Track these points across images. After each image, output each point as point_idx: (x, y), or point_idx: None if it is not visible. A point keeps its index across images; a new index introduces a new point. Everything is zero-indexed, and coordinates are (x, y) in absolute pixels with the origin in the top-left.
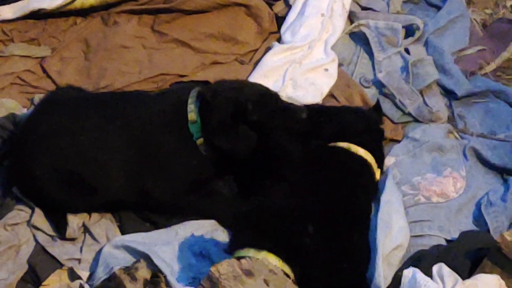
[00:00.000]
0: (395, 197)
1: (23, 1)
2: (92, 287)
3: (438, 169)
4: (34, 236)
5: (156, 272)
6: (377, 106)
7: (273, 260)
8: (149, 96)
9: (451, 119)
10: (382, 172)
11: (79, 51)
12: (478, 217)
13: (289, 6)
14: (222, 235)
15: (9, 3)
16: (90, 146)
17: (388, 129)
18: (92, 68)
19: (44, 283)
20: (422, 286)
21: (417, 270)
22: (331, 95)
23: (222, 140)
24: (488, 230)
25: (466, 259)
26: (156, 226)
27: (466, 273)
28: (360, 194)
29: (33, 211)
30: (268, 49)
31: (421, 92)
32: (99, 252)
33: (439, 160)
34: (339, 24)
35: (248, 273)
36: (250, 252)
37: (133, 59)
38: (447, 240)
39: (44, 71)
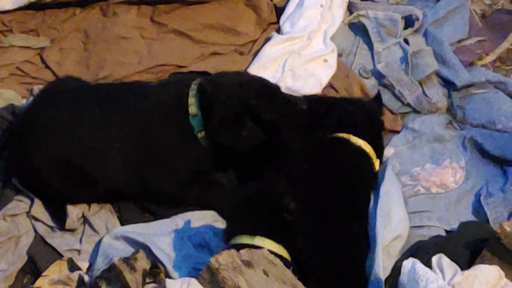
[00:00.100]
0: (395, 187)
1: None
2: (92, 278)
3: (437, 160)
4: (33, 227)
5: (156, 263)
6: (377, 97)
7: (268, 244)
8: (149, 87)
9: (450, 110)
10: (381, 163)
11: (78, 42)
12: (478, 208)
13: None
14: (222, 226)
15: None
16: (90, 136)
17: (387, 120)
18: (91, 59)
19: (43, 273)
20: (421, 277)
21: (417, 261)
22: (330, 85)
23: (224, 137)
24: (488, 221)
25: (465, 250)
26: (155, 217)
27: (465, 264)
28: (359, 184)
29: (32, 202)
30: (267, 39)
31: (420, 83)
32: (98, 243)
33: (439, 150)
34: (338, 14)
35: (248, 264)
36: (244, 239)
37: (132, 50)
38: (446, 231)
39: (43, 62)
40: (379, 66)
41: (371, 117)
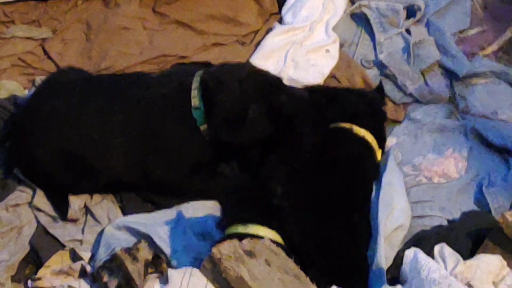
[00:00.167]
0: (397, 177)
1: None
2: (94, 268)
3: (439, 150)
4: (35, 217)
5: (158, 253)
6: (380, 87)
7: (262, 231)
8: (152, 78)
9: (452, 100)
10: (383, 153)
11: (80, 33)
12: (480, 198)
13: None
14: None
15: None
16: (92, 127)
17: (389, 110)
18: (93, 50)
19: (46, 264)
20: (423, 266)
21: (419, 251)
22: (332, 76)
23: (225, 135)
24: (490, 211)
25: (467, 239)
26: (157, 207)
27: (467, 253)
28: (361, 174)
29: (34, 192)
30: (269, 30)
31: (422, 73)
32: (100, 233)
33: (441, 140)
34: (340, 5)
35: (250, 254)
36: (238, 228)
37: (134, 41)
38: (448, 221)
39: (45, 52)
40: (381, 56)
41: (373, 108)
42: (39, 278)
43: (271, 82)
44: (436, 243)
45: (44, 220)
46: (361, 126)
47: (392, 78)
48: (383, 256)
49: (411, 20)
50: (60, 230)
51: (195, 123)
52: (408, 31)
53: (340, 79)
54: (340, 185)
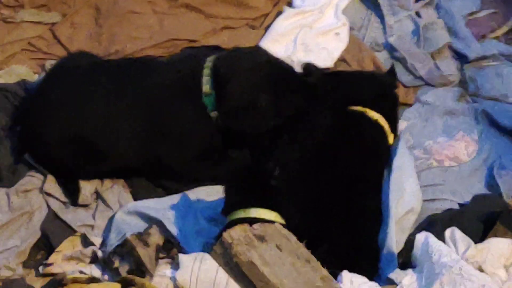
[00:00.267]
0: (408, 161)
1: None
2: (105, 253)
3: (450, 133)
4: (46, 202)
5: (169, 238)
6: (392, 70)
7: (263, 214)
8: (162, 63)
9: (462, 83)
10: (395, 137)
11: (89, 17)
12: (490, 181)
13: None
14: None
15: None
16: (102, 112)
17: (399, 93)
18: (102, 34)
19: (57, 249)
20: (434, 250)
21: (430, 234)
22: (342, 59)
23: (236, 123)
24: (501, 194)
25: (478, 223)
26: (168, 192)
27: (478, 237)
28: (373, 158)
29: (45, 178)
30: (279, 13)
31: (432, 56)
32: (111, 218)
33: (451, 123)
34: None
35: (261, 238)
36: (240, 213)
37: (143, 25)
38: (459, 204)
39: (55, 37)
40: (391, 39)
41: (386, 91)
42: (51, 264)
43: (283, 71)
44: (447, 227)
45: (55, 205)
46: (374, 110)
47: (402, 61)
48: (394, 240)
49: (421, 2)
50: (71, 216)
51: (206, 109)
52: (418, 13)
53: (350, 62)
54: (352, 168)
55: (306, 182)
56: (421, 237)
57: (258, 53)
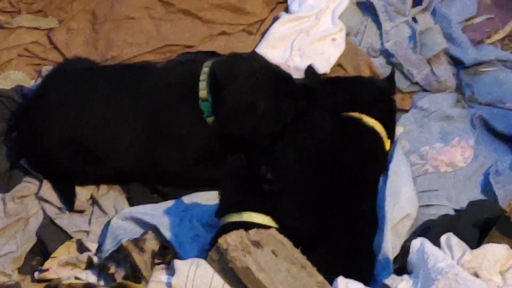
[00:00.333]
0: (404, 167)
1: None
2: (101, 259)
3: (446, 139)
4: (42, 208)
5: (165, 244)
6: (391, 76)
7: (256, 218)
8: (160, 68)
9: (458, 88)
10: (392, 143)
11: (86, 23)
12: (486, 187)
13: None
14: None
15: None
16: (99, 116)
17: (396, 98)
18: (99, 39)
19: (52, 255)
20: (430, 256)
21: (426, 240)
22: (338, 65)
23: (233, 129)
24: (497, 199)
25: (474, 229)
26: (164, 197)
27: (474, 243)
28: (369, 164)
29: (41, 183)
30: (276, 19)
31: (429, 61)
32: (107, 224)
33: (447, 129)
34: None
35: (256, 244)
36: (233, 217)
37: (140, 30)
38: (455, 210)
39: (52, 42)
40: (388, 45)
41: (383, 97)
42: (46, 270)
43: (281, 77)
44: (443, 233)
45: (51, 211)
46: (371, 116)
47: (399, 66)
48: (390, 246)
49: (418, 8)
50: (67, 221)
51: (202, 114)
52: (414, 19)
53: (347, 68)
54: (347, 174)
55: (303, 186)
56: (416, 242)
57: (255, 58)
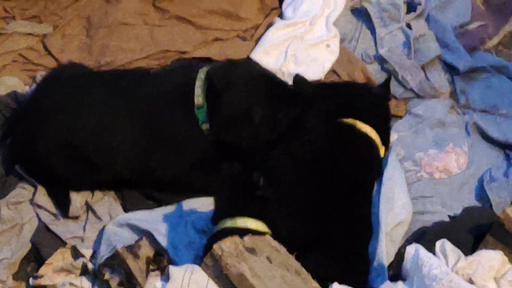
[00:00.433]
0: (398, 173)
1: None
2: (95, 266)
3: (440, 145)
4: (37, 214)
5: (159, 250)
6: (386, 83)
7: (250, 223)
8: (153, 74)
9: (453, 95)
10: (387, 150)
11: (80, 28)
12: (481, 193)
13: None
14: None
15: None
16: (94, 123)
17: (390, 105)
18: (93, 45)
19: (47, 261)
20: (424, 262)
21: (420, 247)
22: (333, 71)
23: (229, 136)
24: (491, 206)
25: (468, 235)
26: (159, 203)
27: (469, 249)
28: (363, 171)
29: (36, 190)
30: (270, 25)
31: (423, 68)
32: (102, 230)
33: (442, 135)
34: None
35: (251, 251)
36: (227, 223)
37: (134, 36)
38: (449, 216)
39: (46, 48)
40: (382, 51)
41: (378, 103)
42: (41, 276)
43: (277, 84)
44: (437, 239)
45: (46, 217)
46: (365, 122)
47: (393, 73)
48: (384, 252)
49: (412, 14)
50: (62, 227)
51: (197, 121)
52: (408, 25)
53: (341, 74)
54: (341, 181)
55: (297, 192)
56: (411, 249)
57: (251, 65)
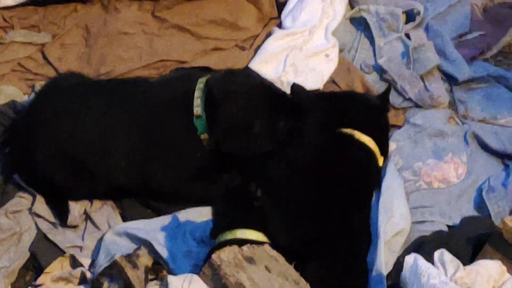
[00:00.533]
0: (397, 183)
1: None
2: (94, 275)
3: (439, 155)
4: (35, 223)
5: (158, 259)
6: (386, 92)
7: (250, 234)
8: (154, 83)
9: (452, 105)
10: (385, 160)
11: (79, 38)
12: (480, 203)
13: None
14: None
15: None
16: (92, 132)
17: (389, 115)
18: (92, 55)
19: (46, 270)
20: (423, 272)
21: (419, 256)
22: (332, 81)
23: (228, 147)
24: (490, 216)
25: (467, 245)
26: (157, 213)
27: (467, 259)
28: (361, 181)
29: (34, 198)
30: (269, 34)
31: (422, 78)
32: (100, 240)
33: (440, 145)
34: (340, 9)
35: (250, 260)
36: (226, 235)
37: (133, 45)
38: (448, 226)
39: (45, 57)
40: (381, 61)
41: (377, 113)
42: (39, 285)
43: (277, 95)
44: (436, 249)
45: (44, 226)
46: (363, 132)
47: (392, 82)
48: (383, 262)
49: (411, 24)
50: (60, 237)
51: (197, 130)
52: (407, 35)
53: (340, 84)
54: (340, 191)
55: (295, 202)
56: (410, 259)
57: (250, 75)
